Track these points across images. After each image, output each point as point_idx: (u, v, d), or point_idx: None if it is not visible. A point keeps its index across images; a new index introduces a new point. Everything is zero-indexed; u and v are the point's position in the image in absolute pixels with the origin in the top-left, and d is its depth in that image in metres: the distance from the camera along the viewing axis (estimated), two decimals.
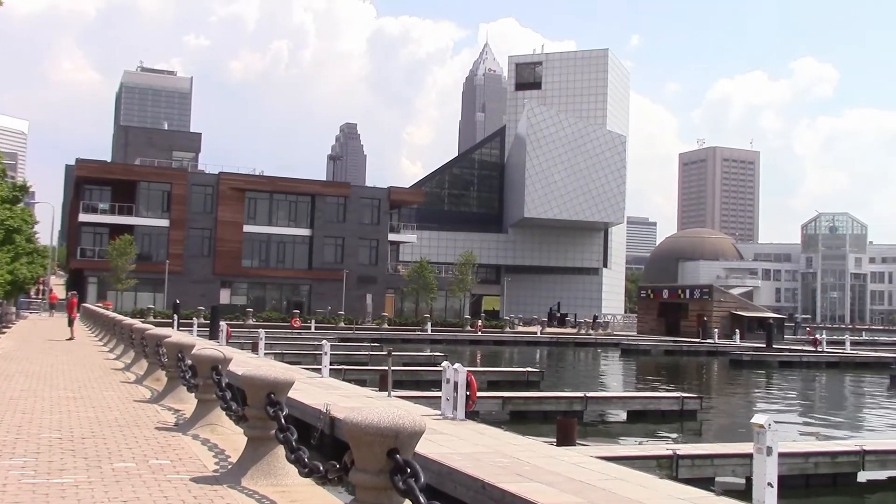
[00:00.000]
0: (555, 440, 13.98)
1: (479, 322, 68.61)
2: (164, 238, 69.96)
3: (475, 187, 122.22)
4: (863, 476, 14.40)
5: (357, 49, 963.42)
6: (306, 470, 5.89)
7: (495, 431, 14.22)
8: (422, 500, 4.30)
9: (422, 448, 11.34)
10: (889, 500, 13.76)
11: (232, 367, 11.07)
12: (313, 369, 24.43)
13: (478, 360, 45.79)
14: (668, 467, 12.79)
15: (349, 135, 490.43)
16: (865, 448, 14.56)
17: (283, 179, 76.69)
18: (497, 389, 25.25)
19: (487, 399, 20.83)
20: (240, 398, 7.85)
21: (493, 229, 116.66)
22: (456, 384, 14.85)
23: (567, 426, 13.93)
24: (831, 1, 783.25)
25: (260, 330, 33.66)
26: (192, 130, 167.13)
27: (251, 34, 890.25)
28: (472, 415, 16.01)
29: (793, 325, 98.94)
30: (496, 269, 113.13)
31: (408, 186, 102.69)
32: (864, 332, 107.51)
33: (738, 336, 63.11)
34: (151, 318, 53.13)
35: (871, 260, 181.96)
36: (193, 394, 10.16)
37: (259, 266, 73.46)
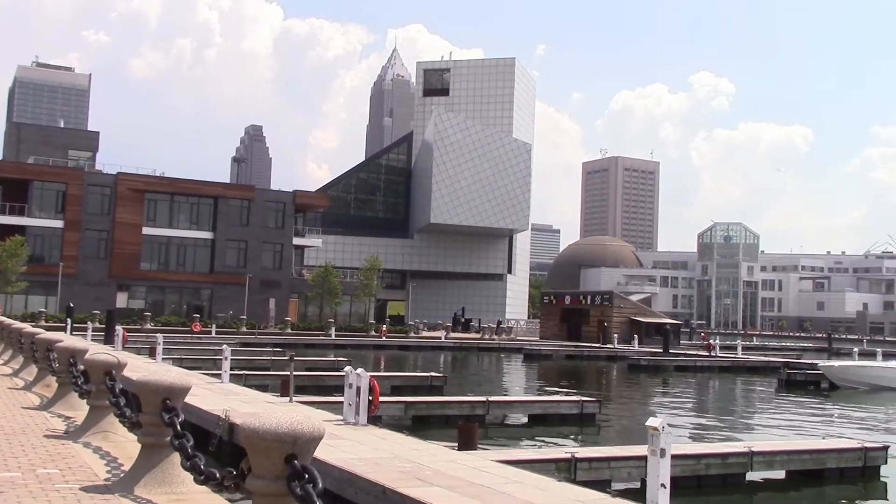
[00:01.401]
0: (456, 444, 14.07)
1: (384, 327, 68.49)
2: (58, 239, 67.50)
3: (382, 192, 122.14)
4: (751, 476, 14.95)
5: (263, 50, 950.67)
6: (202, 477, 5.77)
7: (397, 436, 14.23)
8: None
9: (323, 454, 11.26)
10: (775, 499, 14.32)
11: (127, 373, 10.76)
12: (213, 375, 23.95)
13: (381, 365, 45.69)
14: (567, 470, 13.01)
15: (254, 137, 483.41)
16: (753, 449, 15.12)
17: (185, 181, 74.96)
18: (400, 394, 25.25)
19: (390, 404, 20.82)
20: (134, 404, 7.65)
21: (399, 234, 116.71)
22: (358, 389, 14.81)
23: (468, 431, 14.03)
24: (728, 18, 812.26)
25: (158, 335, 32.82)
26: (89, 129, 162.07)
27: (153, 31, 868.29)
28: (374, 420, 15.98)
29: (688, 330, 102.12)
30: (402, 275, 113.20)
31: (314, 190, 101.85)
32: (755, 338, 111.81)
33: (636, 341, 64.63)
34: (43, 323, 51.17)
35: (763, 268, 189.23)
36: (85, 400, 9.84)
37: (158, 269, 71.61)
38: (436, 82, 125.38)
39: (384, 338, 64.14)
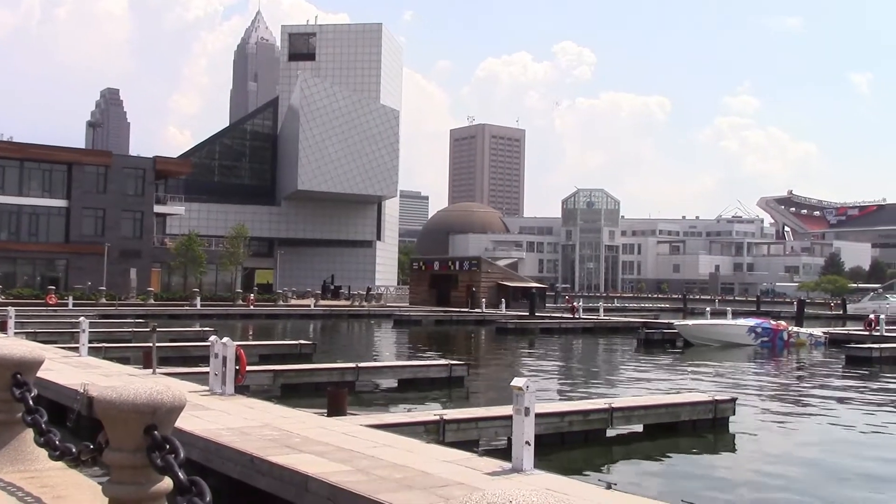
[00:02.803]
0: (326, 411, 14.04)
1: (251, 296, 67.30)
2: None
3: (247, 158, 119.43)
4: (611, 432, 15.58)
5: (118, 9, 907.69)
6: (57, 453, 5.57)
7: (265, 405, 14.09)
8: (181, 476, 4.20)
9: (188, 425, 11.05)
10: (633, 452, 14.98)
11: None
12: (70, 348, 23.00)
13: (249, 334, 44.99)
14: (436, 432, 13.21)
15: (111, 101, 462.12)
16: (613, 406, 15.76)
17: (36, 146, 71.10)
18: (268, 363, 24.96)
19: (258, 373, 20.55)
20: None
21: (265, 202, 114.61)
22: (224, 359, 14.55)
23: (337, 396, 14.03)
24: None
25: (9, 308, 31.22)
26: None
27: None
28: (241, 389, 15.76)
29: (554, 294, 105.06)
30: (269, 242, 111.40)
31: (175, 156, 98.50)
32: (616, 300, 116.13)
33: (503, 305, 66.03)
34: None
35: (623, 233, 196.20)
36: None
37: (9, 239, 67.93)
38: (301, 47, 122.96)
39: (252, 307, 63.07)
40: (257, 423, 12.01)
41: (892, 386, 26.36)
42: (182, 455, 4.35)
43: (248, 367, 16.63)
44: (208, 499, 4.06)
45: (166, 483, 4.40)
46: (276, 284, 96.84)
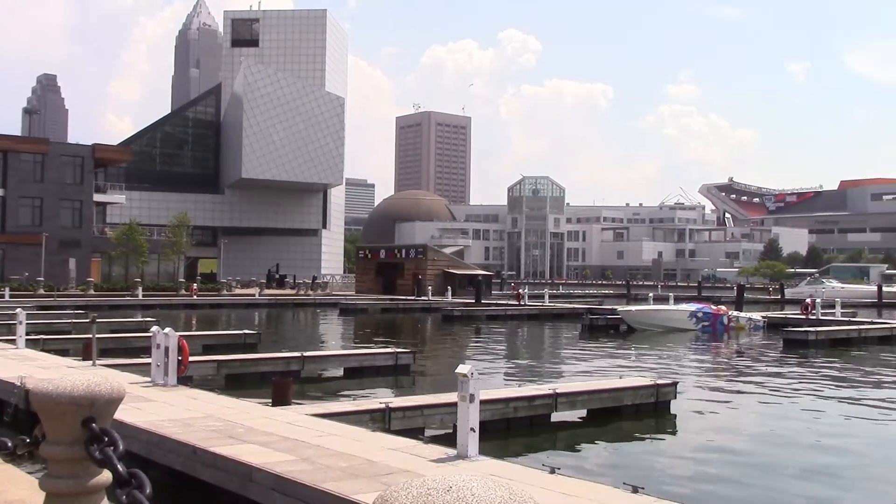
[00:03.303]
0: (270, 401, 13.96)
1: (195, 285, 66.38)
2: None
3: (190, 146, 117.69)
4: (556, 417, 15.76)
5: None
6: None
7: (209, 396, 13.96)
8: (120, 469, 4.14)
9: (130, 417, 10.90)
10: (577, 436, 15.17)
11: None
12: (6, 340, 22.47)
13: (193, 325, 44.43)
14: (381, 420, 13.23)
15: (47, 87, 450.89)
16: (558, 391, 15.93)
17: None
18: (212, 353, 24.68)
19: (202, 363, 20.31)
20: None
21: (208, 190, 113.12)
22: (167, 349, 14.37)
23: (282, 386, 13.95)
24: None
25: None
26: None
27: None
28: (185, 380, 15.58)
29: (500, 281, 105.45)
30: (212, 231, 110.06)
31: (116, 144, 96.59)
32: (561, 286, 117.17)
33: (450, 293, 66.17)
34: None
35: (568, 220, 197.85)
36: None
37: None
38: (245, 33, 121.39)
39: (195, 297, 62.20)
40: (200, 413, 11.90)
41: (826, 368, 27.08)
42: (121, 447, 4.28)
43: (192, 358, 16.45)
44: (148, 491, 4.01)
45: (105, 476, 4.34)
46: (219, 274, 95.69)
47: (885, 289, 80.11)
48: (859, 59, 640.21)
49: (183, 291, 64.21)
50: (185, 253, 77.55)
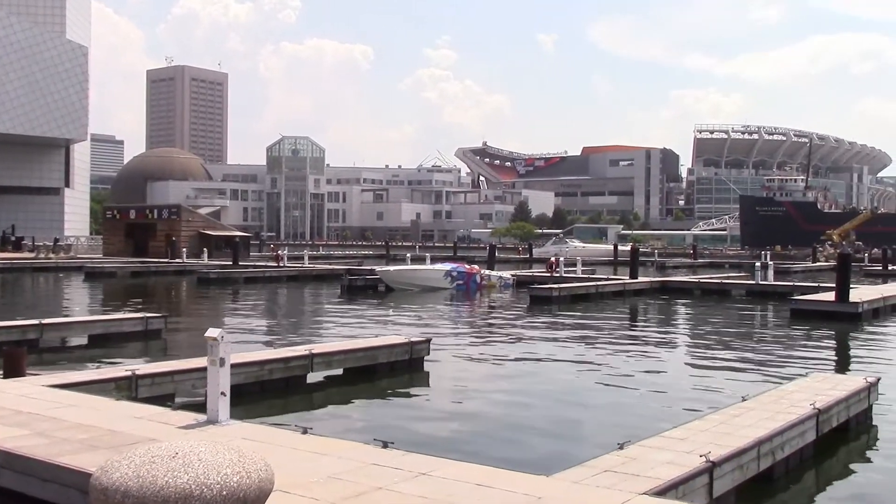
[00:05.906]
0: (1, 373, 12.94)
1: None
2: None
3: None
4: (311, 377, 15.82)
5: None
6: None
7: None
8: None
9: None
10: (333, 396, 15.32)
11: None
12: None
13: None
14: (128, 388, 12.66)
15: None
16: (314, 351, 15.98)
17: None
18: None
19: None
20: None
21: None
22: None
23: (14, 356, 12.95)
24: None
25: None
26: None
27: None
28: None
29: (259, 242, 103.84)
30: None
31: None
32: (321, 248, 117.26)
33: (206, 255, 64.28)
34: None
35: (329, 181, 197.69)
36: None
37: None
38: None
39: None
40: None
41: (566, 321, 29.08)
42: None
43: None
44: None
45: None
46: None
47: (620, 248, 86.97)
48: (601, 32, 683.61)
49: None
50: None
